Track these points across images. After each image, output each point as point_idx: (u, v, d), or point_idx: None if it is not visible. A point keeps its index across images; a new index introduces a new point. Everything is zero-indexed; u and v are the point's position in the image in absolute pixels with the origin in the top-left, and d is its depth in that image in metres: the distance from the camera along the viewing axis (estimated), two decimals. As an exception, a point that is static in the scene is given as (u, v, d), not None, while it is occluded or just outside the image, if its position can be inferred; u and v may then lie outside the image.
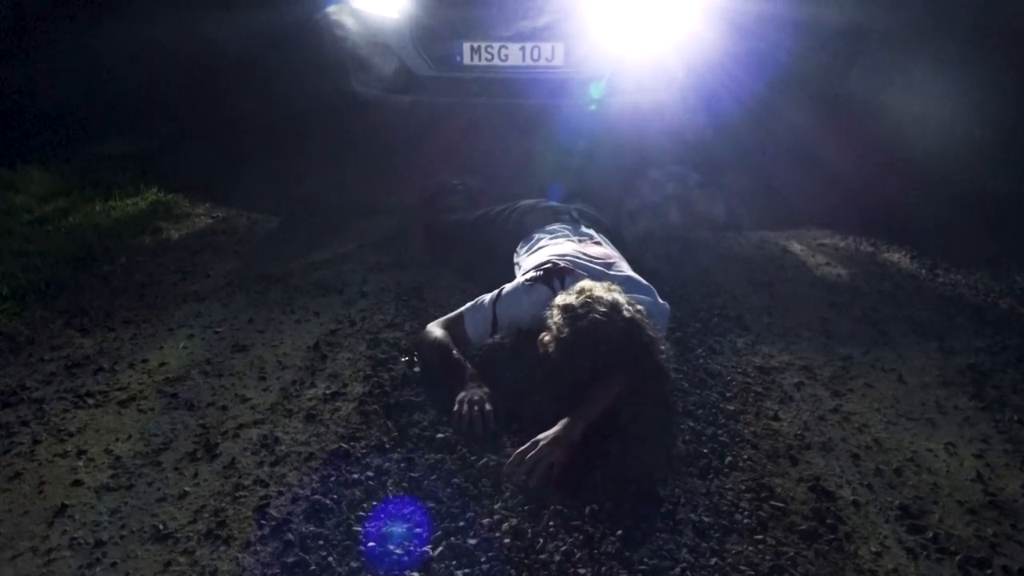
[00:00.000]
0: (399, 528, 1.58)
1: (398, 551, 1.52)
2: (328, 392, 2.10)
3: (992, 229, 3.37)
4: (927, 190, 3.84)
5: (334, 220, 3.40)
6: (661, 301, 2.20)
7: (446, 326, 2.20)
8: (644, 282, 2.24)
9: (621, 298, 1.97)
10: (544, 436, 1.78)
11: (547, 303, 2.06)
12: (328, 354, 2.31)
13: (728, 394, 2.12)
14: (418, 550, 1.52)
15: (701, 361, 2.28)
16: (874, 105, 5.55)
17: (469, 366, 2.09)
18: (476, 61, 3.70)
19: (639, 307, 1.99)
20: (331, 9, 4.50)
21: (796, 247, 3.19)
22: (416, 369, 2.21)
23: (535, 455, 1.73)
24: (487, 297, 2.22)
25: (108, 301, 2.65)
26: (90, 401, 2.06)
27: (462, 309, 2.23)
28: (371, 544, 1.53)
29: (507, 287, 2.23)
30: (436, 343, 2.15)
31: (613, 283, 2.06)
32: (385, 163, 4.09)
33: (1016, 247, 3.18)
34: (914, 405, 2.10)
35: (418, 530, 1.58)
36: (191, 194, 3.70)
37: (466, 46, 3.73)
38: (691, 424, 1.97)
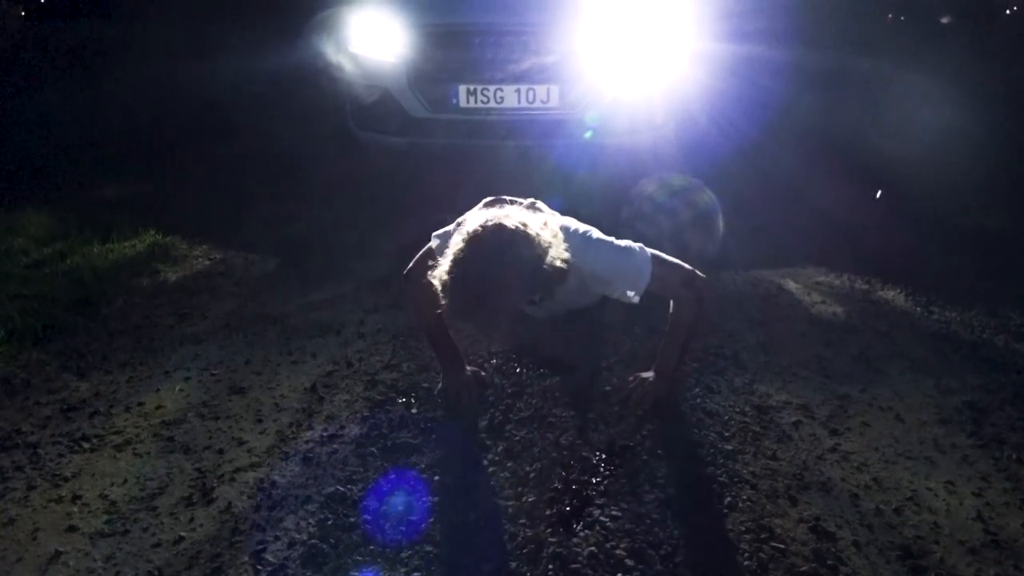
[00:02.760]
0: (397, 574, 1.57)
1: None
2: (325, 434, 2.09)
3: (984, 266, 3.39)
4: (919, 227, 3.87)
5: (332, 261, 3.41)
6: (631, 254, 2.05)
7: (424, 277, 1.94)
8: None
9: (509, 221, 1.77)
10: (646, 375, 2.29)
11: None
12: (325, 396, 2.30)
13: (726, 434, 2.11)
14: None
15: (699, 400, 2.28)
16: (863, 144, 5.62)
17: (452, 343, 2.30)
18: (472, 103, 3.75)
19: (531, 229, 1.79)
20: (330, 54, 4.57)
21: (791, 285, 3.20)
22: (414, 411, 2.21)
23: (641, 392, 2.24)
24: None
25: (105, 344, 2.65)
26: (85, 445, 2.06)
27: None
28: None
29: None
30: (422, 307, 2.10)
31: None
32: (383, 203, 4.12)
33: (1009, 284, 3.20)
34: (912, 443, 2.10)
35: (416, 574, 1.56)
36: (189, 236, 3.71)
37: (462, 88, 3.78)
38: (690, 465, 1.97)
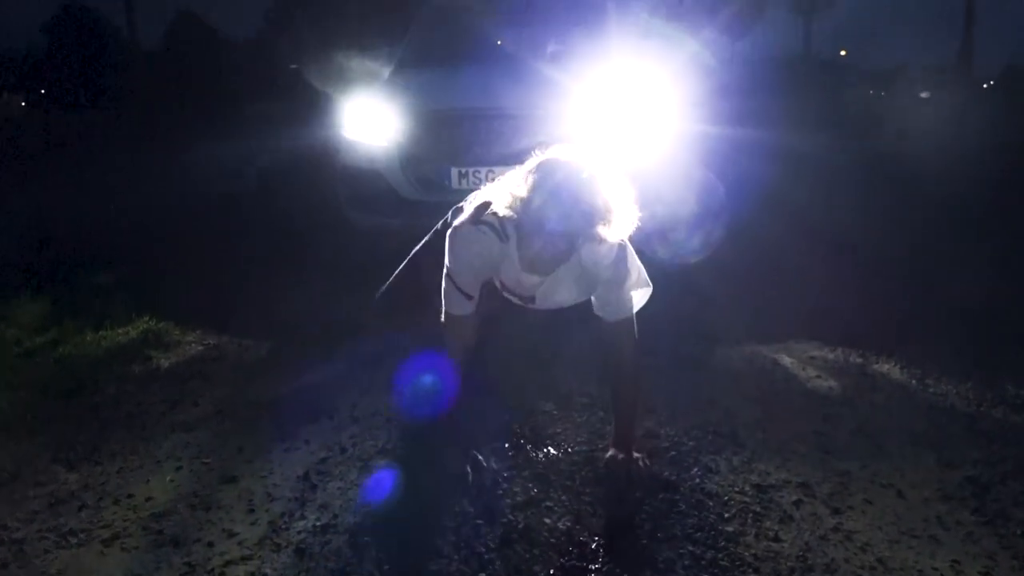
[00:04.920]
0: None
1: None
2: (318, 524, 2.05)
3: (978, 336, 3.40)
4: (911, 300, 3.90)
5: (325, 342, 3.40)
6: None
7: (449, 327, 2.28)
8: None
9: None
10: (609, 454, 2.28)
11: (490, 241, 2.12)
12: (318, 484, 2.27)
13: (727, 515, 2.08)
14: None
15: (697, 481, 2.25)
16: (852, 219, 5.71)
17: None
18: (464, 185, 3.81)
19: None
20: (324, 138, 4.67)
21: (786, 360, 3.20)
22: (408, 496, 2.17)
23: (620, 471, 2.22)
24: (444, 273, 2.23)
25: (95, 433, 2.62)
26: (72, 540, 2.01)
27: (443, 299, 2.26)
28: None
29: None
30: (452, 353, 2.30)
31: None
32: (375, 284, 4.13)
33: (1003, 354, 3.20)
34: (916, 522, 2.06)
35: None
36: (183, 321, 3.71)
37: (454, 171, 3.85)
38: (690, 548, 1.93)
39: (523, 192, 1.95)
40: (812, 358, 3.23)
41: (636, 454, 2.29)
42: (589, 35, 4.99)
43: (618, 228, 1.95)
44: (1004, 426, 2.62)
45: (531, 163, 2.01)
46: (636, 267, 2.24)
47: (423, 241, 2.58)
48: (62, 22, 50.16)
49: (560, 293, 2.29)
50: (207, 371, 3.18)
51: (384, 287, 2.62)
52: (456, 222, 2.21)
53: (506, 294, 2.33)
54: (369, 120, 4.15)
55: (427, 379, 2.43)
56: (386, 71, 4.96)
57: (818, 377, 3.04)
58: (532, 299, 2.32)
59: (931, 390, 2.91)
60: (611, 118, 3.91)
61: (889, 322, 3.58)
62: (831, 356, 3.25)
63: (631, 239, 2.14)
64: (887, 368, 3.12)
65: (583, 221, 1.91)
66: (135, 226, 5.98)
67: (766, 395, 2.87)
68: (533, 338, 3.17)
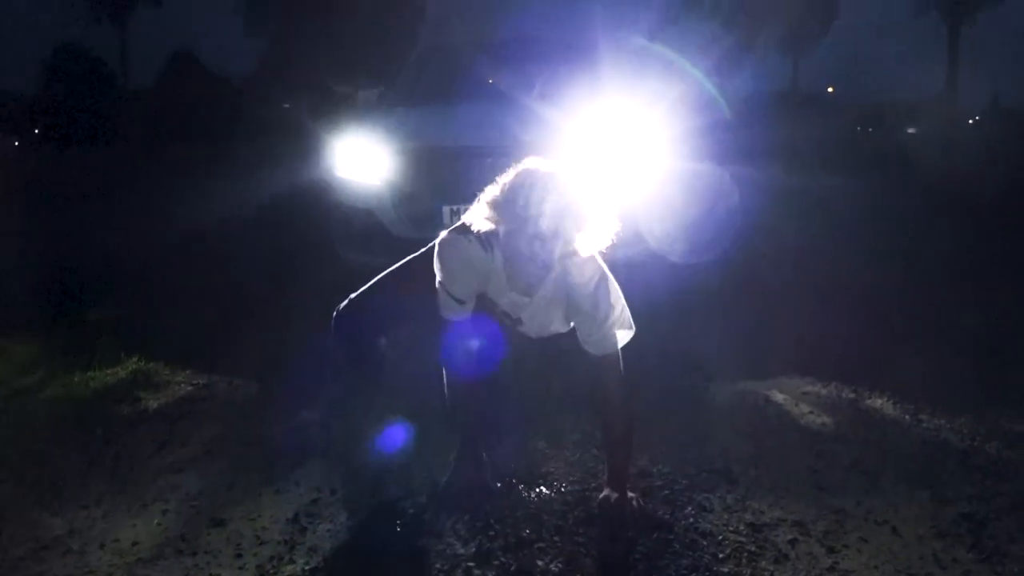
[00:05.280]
0: None
1: None
2: (307, 568, 2.02)
3: (970, 371, 3.40)
4: (903, 334, 3.91)
5: (317, 380, 3.38)
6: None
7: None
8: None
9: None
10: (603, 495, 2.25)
11: (475, 250, 2.19)
12: (308, 526, 2.23)
13: (721, 555, 2.06)
14: None
15: (692, 520, 2.23)
16: (841, 252, 5.75)
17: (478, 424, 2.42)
18: (455, 223, 3.81)
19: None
20: (316, 177, 4.69)
21: (779, 396, 3.19)
22: (400, 539, 2.15)
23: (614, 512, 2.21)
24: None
25: (82, 476, 2.58)
26: (56, 587, 1.97)
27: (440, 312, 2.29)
28: None
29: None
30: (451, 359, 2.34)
31: None
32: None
33: (996, 389, 3.20)
34: (912, 560, 2.04)
35: None
36: (173, 361, 3.69)
37: (446, 209, 3.86)
38: (685, 589, 1.90)
39: (500, 197, 2.01)
40: (805, 393, 3.22)
41: (630, 494, 2.27)
42: (579, 72, 5.05)
43: (596, 236, 2.05)
44: (998, 461, 2.61)
45: (508, 174, 2.07)
46: (620, 304, 2.27)
47: (398, 264, 2.60)
48: (57, 63, 50.60)
49: (546, 317, 2.30)
50: (196, 411, 3.15)
51: (353, 297, 2.59)
52: (442, 234, 2.28)
53: (499, 313, 2.35)
54: (360, 158, 4.18)
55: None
56: (377, 109, 5.01)
57: (811, 413, 3.03)
58: (520, 321, 2.33)
59: (924, 425, 2.90)
60: (601, 154, 3.95)
61: (881, 356, 3.58)
62: (824, 391, 3.24)
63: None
64: (880, 403, 3.11)
65: (559, 222, 1.97)
66: (127, 263, 5.97)
67: (759, 431, 2.86)
68: (525, 374, 3.16)
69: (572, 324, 2.30)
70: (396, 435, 2.66)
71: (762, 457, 2.63)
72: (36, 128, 46.65)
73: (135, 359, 3.67)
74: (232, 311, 4.56)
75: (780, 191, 8.85)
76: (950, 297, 4.50)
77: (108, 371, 3.56)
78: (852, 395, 3.19)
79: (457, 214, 3.84)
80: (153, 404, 3.24)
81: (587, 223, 2.01)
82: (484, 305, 2.34)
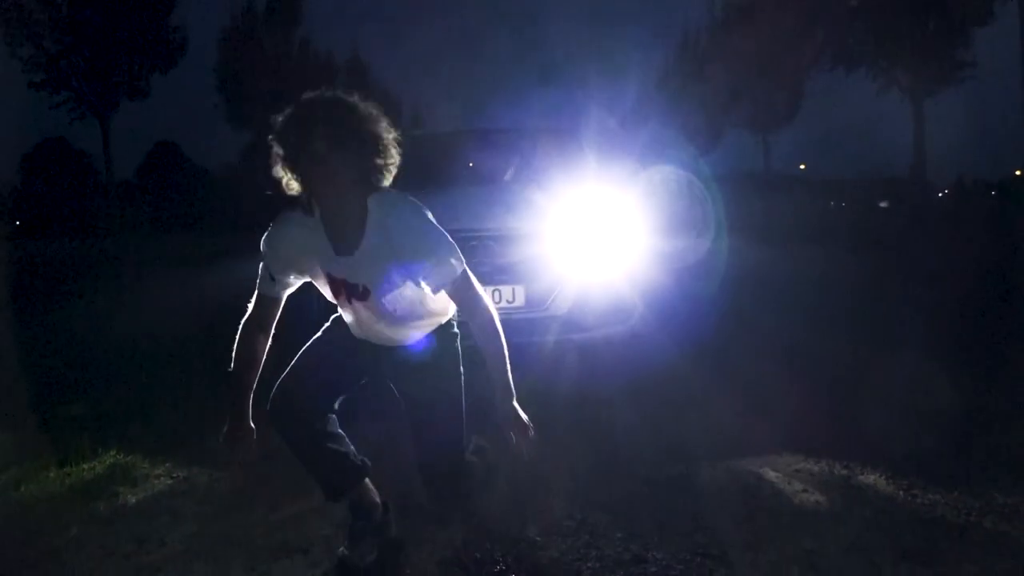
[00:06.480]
0: None
1: None
2: (291, 673, 1.93)
3: (960, 445, 3.38)
4: (891, 407, 3.90)
5: (299, 472, 3.29)
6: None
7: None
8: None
9: None
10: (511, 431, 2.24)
11: (298, 220, 2.21)
12: (292, 627, 2.14)
13: (722, 645, 1.99)
14: None
15: (689, 608, 2.17)
16: (825, 329, 5.79)
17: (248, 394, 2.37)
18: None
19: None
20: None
21: (771, 475, 3.15)
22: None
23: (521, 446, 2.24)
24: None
25: (55, 579, 2.48)
26: None
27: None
28: None
29: None
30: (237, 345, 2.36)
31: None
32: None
33: (987, 462, 3.18)
34: (918, 644, 1.98)
35: None
36: (152, 454, 3.60)
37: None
38: None
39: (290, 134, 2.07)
40: (797, 471, 3.18)
41: (523, 416, 2.27)
42: (553, 157, 5.16)
43: (386, 163, 2.14)
44: (996, 536, 2.57)
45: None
46: (444, 236, 2.23)
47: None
48: (39, 156, 51.09)
49: (383, 273, 2.23)
50: (176, 506, 3.06)
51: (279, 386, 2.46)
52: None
53: (343, 288, 2.29)
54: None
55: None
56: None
57: (804, 491, 2.98)
58: (364, 290, 2.26)
59: (919, 500, 2.87)
60: (584, 234, 4.00)
61: (870, 430, 3.56)
62: (816, 468, 3.21)
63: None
64: (873, 479, 3.07)
65: (356, 136, 2.07)
66: (106, 355, 5.88)
67: (753, 513, 2.81)
68: (515, 465, 3.11)
69: (422, 281, 2.23)
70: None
71: (757, 540, 2.58)
72: (17, 220, 46.74)
73: (112, 453, 3.59)
74: (212, 402, 4.48)
75: (759, 267, 8.96)
76: (932, 369, 4.50)
77: (85, 466, 3.47)
78: (844, 471, 3.16)
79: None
80: (131, 500, 3.14)
81: (384, 148, 2.11)
82: (334, 287, 2.30)
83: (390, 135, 2.15)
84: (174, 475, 3.40)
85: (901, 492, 2.95)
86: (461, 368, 2.47)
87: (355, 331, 2.45)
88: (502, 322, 3.81)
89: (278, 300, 2.34)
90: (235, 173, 37.70)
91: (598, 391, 4.01)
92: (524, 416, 2.26)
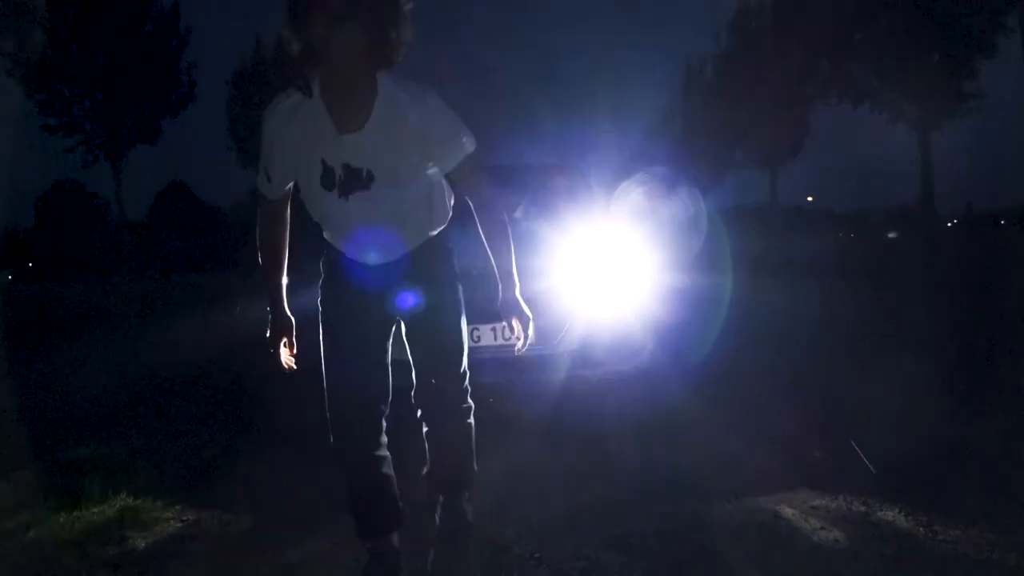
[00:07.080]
0: None
1: None
2: None
3: (979, 479, 3.33)
4: (909, 442, 3.84)
5: (311, 513, 3.27)
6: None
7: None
8: None
9: None
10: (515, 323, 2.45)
11: (293, 100, 2.12)
12: (303, 674, 2.11)
13: None
14: None
15: (708, 652, 2.12)
16: (840, 364, 5.74)
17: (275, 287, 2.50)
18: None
19: None
20: (309, 304, 4.68)
21: (788, 512, 3.10)
22: None
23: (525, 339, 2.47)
24: None
25: (63, 626, 2.45)
26: None
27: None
28: None
29: None
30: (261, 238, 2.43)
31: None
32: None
33: (1007, 497, 3.13)
34: None
35: None
36: (162, 496, 3.57)
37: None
38: None
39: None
40: (814, 508, 3.13)
41: (524, 306, 2.44)
42: (562, 192, 5.19)
43: (405, 38, 2.05)
44: (1019, 572, 2.51)
45: None
46: (455, 114, 2.18)
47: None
48: (54, 197, 51.74)
49: (390, 154, 2.14)
50: (186, 551, 3.03)
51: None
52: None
53: (334, 195, 2.20)
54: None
55: None
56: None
57: (822, 529, 2.93)
58: (368, 176, 2.16)
59: (940, 537, 2.81)
60: (594, 269, 4.01)
61: (890, 466, 3.50)
62: (833, 505, 3.15)
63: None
64: (891, 515, 3.02)
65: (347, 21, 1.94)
66: (117, 397, 5.88)
67: (770, 552, 2.76)
68: (525, 495, 3.08)
69: (430, 163, 2.19)
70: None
71: (776, 579, 2.53)
72: (30, 262, 47.22)
73: (123, 496, 3.56)
74: (223, 443, 4.47)
75: (770, 301, 8.93)
76: (950, 404, 4.45)
77: (94, 510, 3.44)
78: (863, 507, 3.10)
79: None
80: (141, 544, 3.11)
81: (390, 12, 2.01)
82: (327, 181, 2.19)
83: (407, 6, 2.06)
84: (184, 518, 3.37)
85: (921, 528, 2.89)
86: (459, 284, 2.52)
87: (343, 246, 2.41)
88: (512, 359, 3.82)
89: (276, 201, 2.34)
90: (247, 212, 38.05)
91: (610, 428, 3.98)
92: (525, 306, 2.43)
